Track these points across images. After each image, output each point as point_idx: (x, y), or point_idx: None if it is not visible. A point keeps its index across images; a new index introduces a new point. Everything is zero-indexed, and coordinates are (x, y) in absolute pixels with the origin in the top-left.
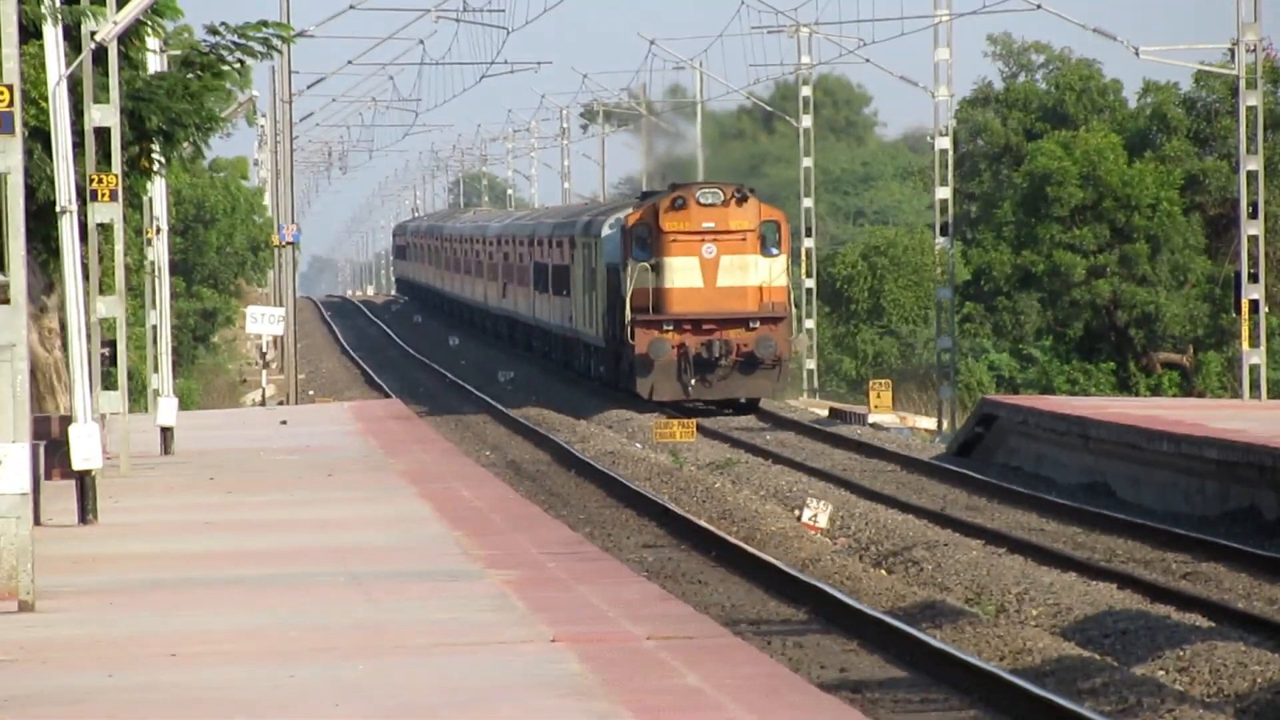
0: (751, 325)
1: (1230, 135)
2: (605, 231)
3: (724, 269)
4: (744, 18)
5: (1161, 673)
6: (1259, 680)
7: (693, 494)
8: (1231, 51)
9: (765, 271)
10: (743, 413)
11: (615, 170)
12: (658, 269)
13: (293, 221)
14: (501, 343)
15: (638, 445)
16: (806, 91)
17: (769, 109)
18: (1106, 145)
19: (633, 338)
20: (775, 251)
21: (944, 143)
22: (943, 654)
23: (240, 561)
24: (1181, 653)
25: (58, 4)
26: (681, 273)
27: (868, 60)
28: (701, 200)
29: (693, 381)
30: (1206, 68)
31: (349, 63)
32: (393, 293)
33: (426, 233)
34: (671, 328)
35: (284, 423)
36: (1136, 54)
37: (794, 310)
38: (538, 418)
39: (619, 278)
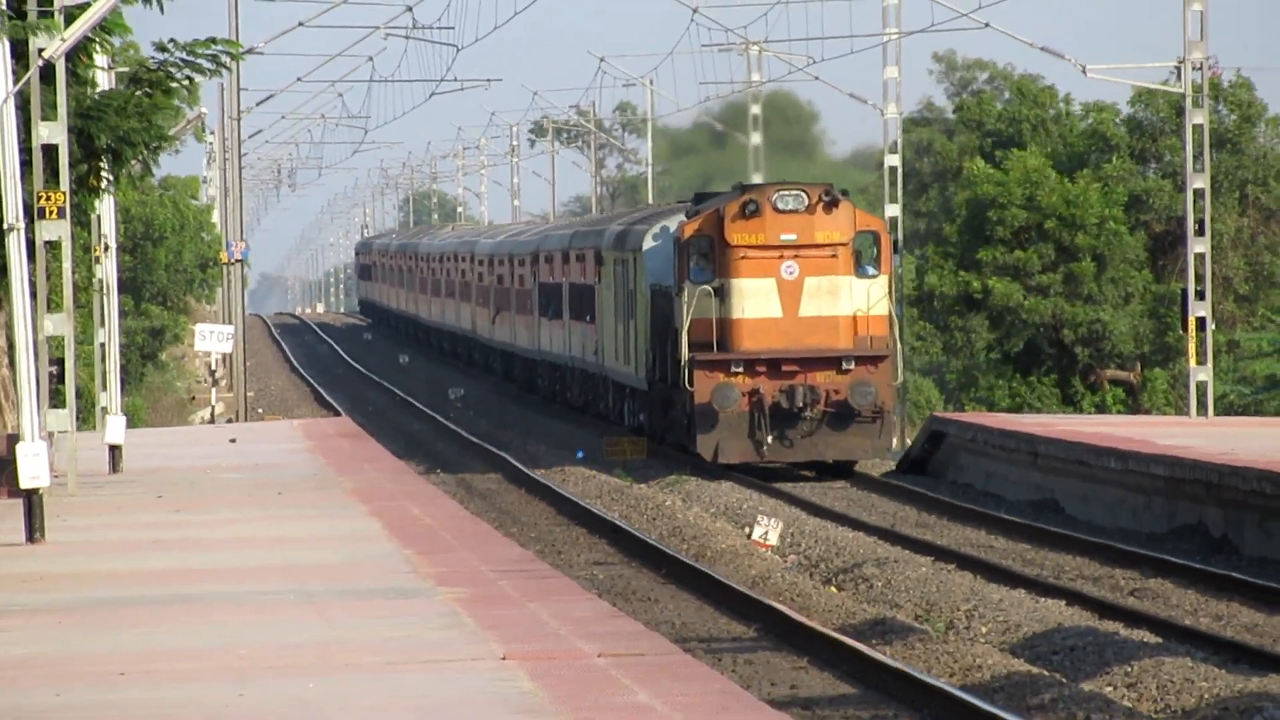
0: (844, 367)
1: (1173, 153)
2: (648, 244)
3: (809, 294)
4: (694, 35)
5: (1110, 689)
6: (1206, 696)
7: (643, 511)
8: (1178, 70)
9: (862, 297)
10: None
11: (565, 188)
12: (723, 294)
13: (242, 239)
14: (494, 378)
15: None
16: (756, 109)
17: (719, 127)
18: (1043, 166)
19: (691, 382)
20: (873, 271)
21: (893, 160)
22: (893, 671)
23: (190, 579)
24: (1129, 669)
25: (5, 20)
26: (754, 299)
27: (817, 78)
28: (780, 205)
29: (769, 439)
30: (1152, 86)
31: (298, 80)
32: (355, 316)
33: (398, 251)
34: (741, 370)
35: (233, 441)
36: (1084, 72)
37: (899, 346)
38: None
39: (670, 304)
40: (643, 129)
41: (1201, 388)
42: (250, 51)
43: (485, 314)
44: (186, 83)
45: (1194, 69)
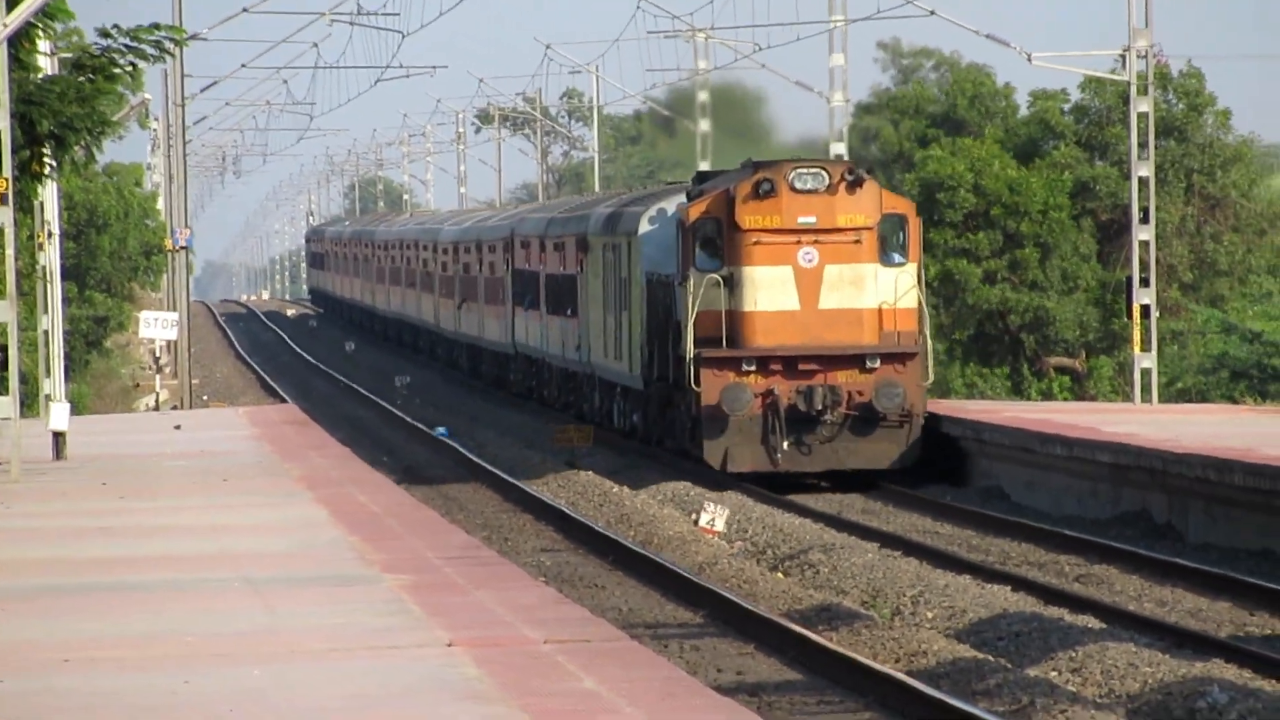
0: (869, 365)
1: (1120, 141)
2: (644, 228)
3: (829, 284)
4: (640, 22)
5: (1055, 674)
6: (1150, 681)
7: (590, 498)
8: (1123, 58)
9: (888, 287)
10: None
11: (511, 176)
12: (733, 283)
13: (186, 225)
14: (459, 374)
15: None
16: (703, 96)
17: (667, 114)
18: (992, 153)
19: (697, 382)
20: (900, 259)
21: (839, 148)
22: (839, 656)
23: (135, 567)
24: (1074, 654)
25: None
26: (769, 289)
27: (764, 65)
28: (797, 184)
29: (784, 445)
30: (1098, 74)
31: (242, 66)
32: (292, 303)
33: (352, 239)
34: (754, 368)
35: (178, 428)
36: (1029, 60)
37: (928, 343)
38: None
39: (670, 294)
40: (589, 116)
41: (1146, 375)
42: (194, 37)
43: (450, 305)
44: (130, 69)
45: (1139, 57)
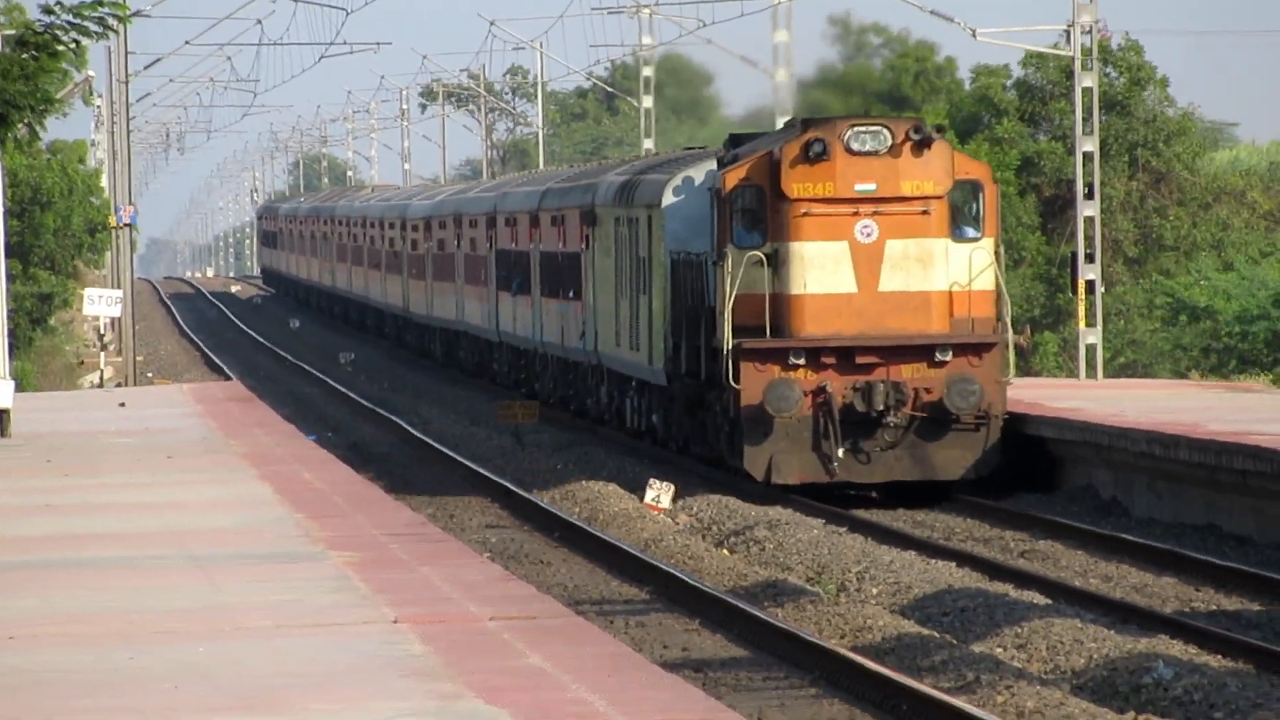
0: (939, 357)
1: (1064, 116)
2: (669, 200)
3: (892, 262)
4: None
5: (1000, 649)
6: (1094, 656)
7: (536, 475)
8: (1068, 33)
9: (961, 266)
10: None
11: (456, 152)
12: (778, 262)
13: (130, 203)
14: (431, 362)
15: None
16: (648, 72)
17: (610, 90)
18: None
19: (736, 378)
20: (974, 233)
21: (786, 123)
22: (784, 633)
23: (80, 544)
24: (1020, 629)
25: None
26: (820, 268)
27: (709, 41)
28: (855, 146)
29: (839, 452)
30: (1042, 50)
31: (186, 43)
32: (238, 279)
33: (309, 216)
34: (803, 361)
35: (123, 405)
36: (974, 35)
37: (1009, 332)
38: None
39: (700, 275)
40: (533, 93)
41: (1091, 350)
42: (137, 14)
43: (421, 287)
44: (73, 46)
45: (1083, 32)
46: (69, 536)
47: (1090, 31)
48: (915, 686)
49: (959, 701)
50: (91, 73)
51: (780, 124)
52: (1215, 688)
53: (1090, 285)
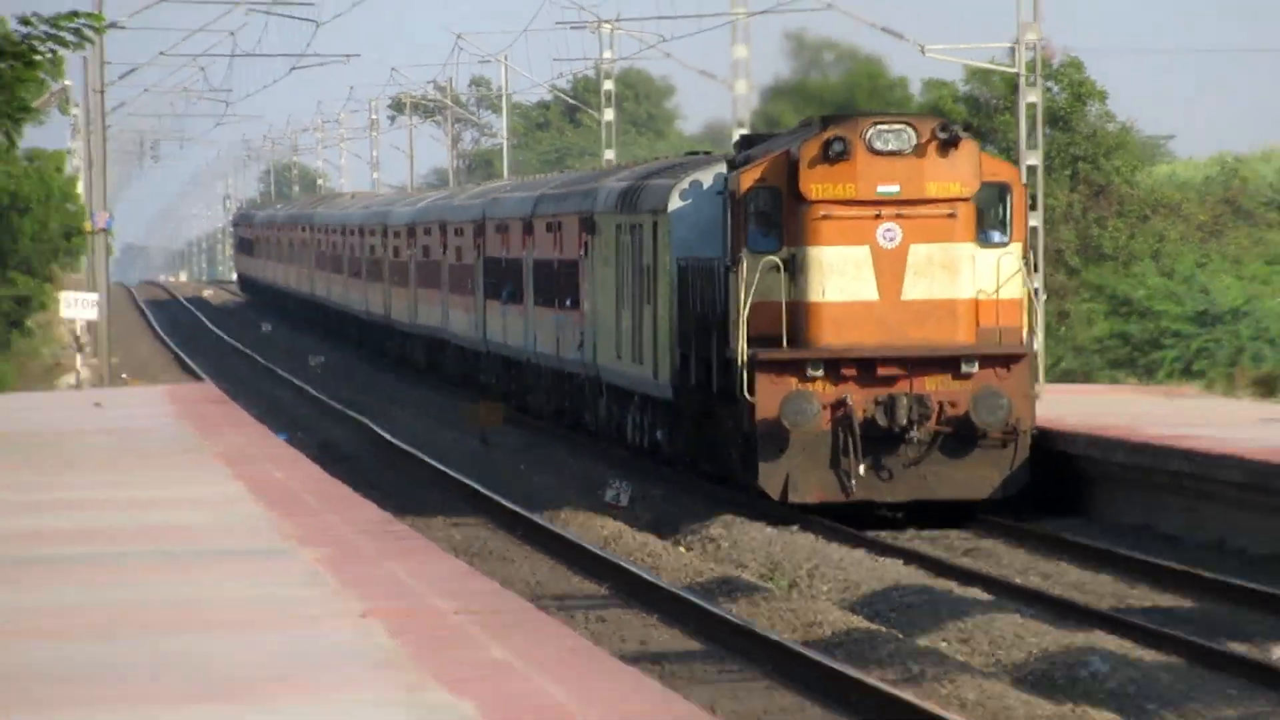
0: (965, 369)
1: (1008, 129)
2: (675, 204)
3: (916, 268)
4: (548, 13)
5: (944, 643)
6: (1033, 650)
7: (500, 475)
8: (1013, 50)
9: (988, 273)
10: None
11: (423, 161)
12: (796, 267)
13: (105, 209)
14: (416, 370)
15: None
16: (609, 85)
17: (572, 102)
18: None
19: (751, 390)
20: (1002, 238)
21: (743, 135)
22: (737, 627)
23: (57, 540)
24: (963, 624)
25: None
26: (840, 275)
27: (668, 55)
28: (877, 145)
29: (860, 470)
30: (988, 65)
31: (161, 54)
32: (210, 284)
33: (287, 223)
34: (822, 373)
35: (99, 405)
36: (922, 51)
37: (1039, 342)
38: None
39: (710, 283)
40: (498, 104)
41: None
42: (113, 25)
43: (404, 294)
44: (50, 55)
45: (1028, 49)
46: (47, 533)
47: (1035, 49)
48: (862, 679)
49: (904, 694)
50: (68, 82)
51: (737, 136)
52: (1148, 680)
53: (1034, 294)
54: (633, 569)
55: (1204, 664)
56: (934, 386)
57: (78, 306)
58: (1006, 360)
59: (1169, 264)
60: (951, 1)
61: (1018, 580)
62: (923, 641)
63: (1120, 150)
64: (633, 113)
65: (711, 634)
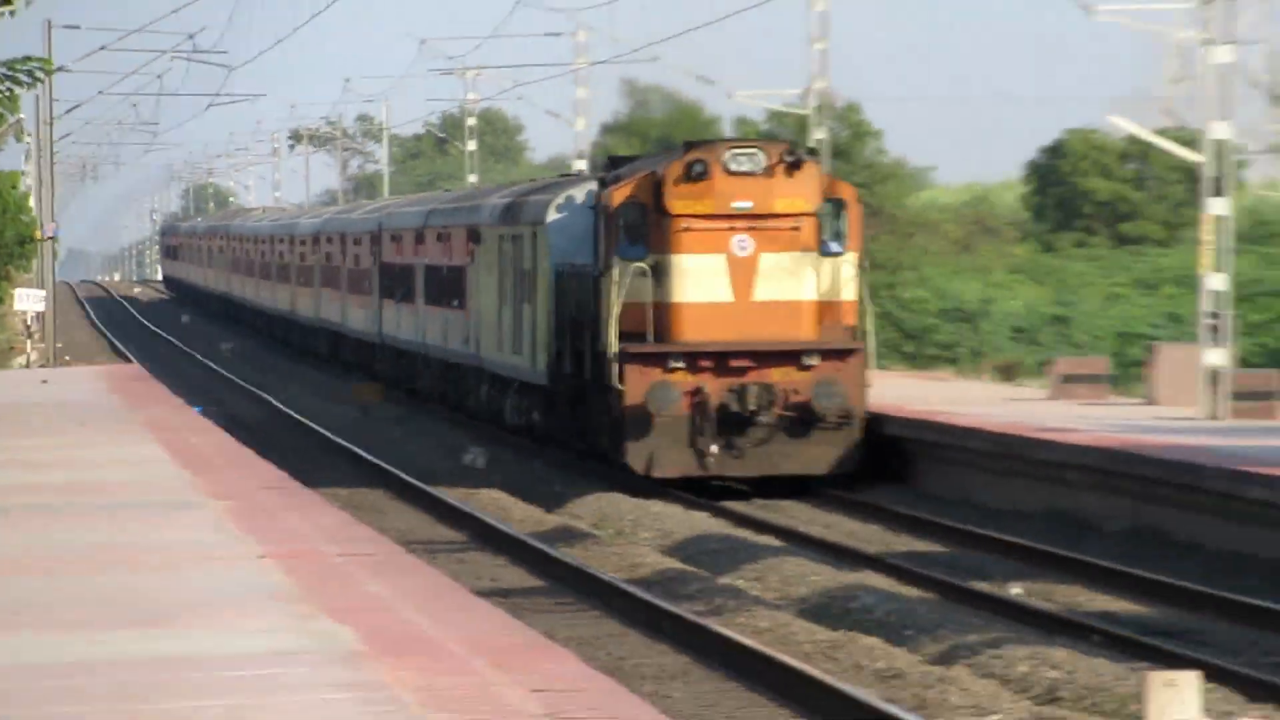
0: (806, 362)
1: None
2: (553, 216)
3: (765, 274)
4: (423, 61)
5: (742, 582)
6: (815, 587)
7: (379, 441)
8: (804, 95)
9: (827, 277)
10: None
11: (317, 183)
12: (660, 273)
13: (53, 220)
14: (319, 359)
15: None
16: (471, 122)
17: (441, 135)
18: None
19: (621, 379)
20: (839, 248)
21: (580, 164)
22: (573, 568)
23: (9, 493)
24: (757, 566)
25: None
26: (699, 280)
27: (520, 98)
28: (732, 167)
29: (714, 449)
30: (784, 109)
31: (100, 93)
32: (138, 282)
33: (206, 232)
34: (682, 365)
35: (45, 382)
36: (729, 96)
37: (871, 337)
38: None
39: (582, 286)
40: (380, 136)
41: None
42: (61, 69)
43: (308, 294)
44: (7, 94)
45: (817, 95)
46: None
47: (822, 95)
48: (674, 610)
49: (709, 622)
50: (23, 115)
51: (576, 166)
52: (908, 612)
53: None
54: (486, 519)
55: (954, 599)
56: (779, 377)
57: (29, 301)
58: (842, 354)
59: (928, 273)
60: (756, 55)
61: (803, 530)
62: (724, 580)
63: (891, 179)
64: (491, 145)
65: (551, 573)
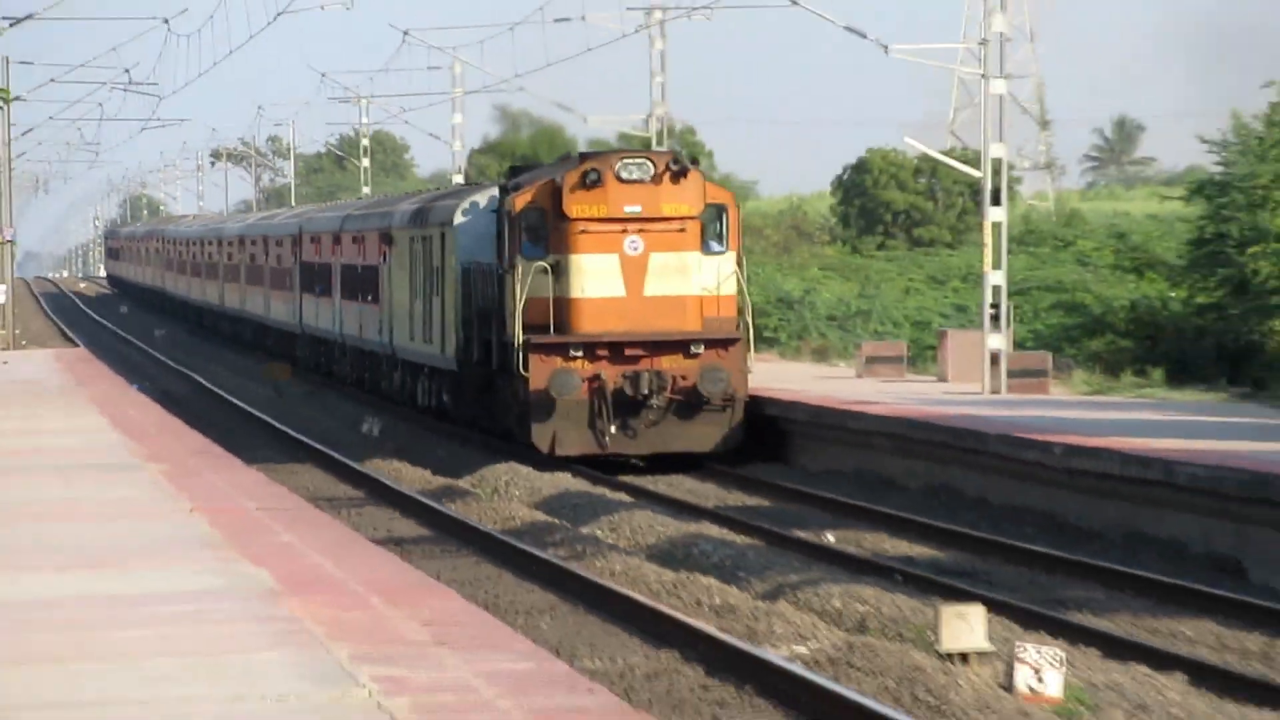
0: (693, 350)
1: None
2: (460, 219)
3: (654, 272)
4: (324, 89)
5: (599, 532)
6: (660, 536)
7: (289, 413)
8: (647, 119)
9: (710, 274)
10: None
11: (234, 194)
12: (560, 271)
13: (10, 225)
14: (228, 342)
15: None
16: (365, 142)
17: (339, 154)
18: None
19: (526, 367)
20: (720, 247)
21: (458, 178)
22: (455, 520)
23: None
24: (613, 519)
25: None
26: (595, 277)
27: (407, 121)
28: (624, 175)
29: (611, 429)
30: (631, 131)
31: (50, 118)
32: (86, 283)
33: (145, 236)
34: (582, 354)
35: (5, 363)
36: (585, 121)
37: (750, 329)
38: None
39: (488, 282)
40: (287, 154)
41: None
42: (18, 99)
43: (235, 288)
44: None
45: (658, 120)
46: None
47: (662, 119)
48: (542, 555)
49: (571, 565)
50: None
51: (455, 182)
52: (739, 556)
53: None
54: (382, 479)
55: (778, 545)
56: (669, 364)
57: None
58: (725, 343)
59: (754, 270)
60: (608, 83)
61: (650, 487)
62: (584, 530)
63: None
64: (382, 162)
65: (438, 524)
